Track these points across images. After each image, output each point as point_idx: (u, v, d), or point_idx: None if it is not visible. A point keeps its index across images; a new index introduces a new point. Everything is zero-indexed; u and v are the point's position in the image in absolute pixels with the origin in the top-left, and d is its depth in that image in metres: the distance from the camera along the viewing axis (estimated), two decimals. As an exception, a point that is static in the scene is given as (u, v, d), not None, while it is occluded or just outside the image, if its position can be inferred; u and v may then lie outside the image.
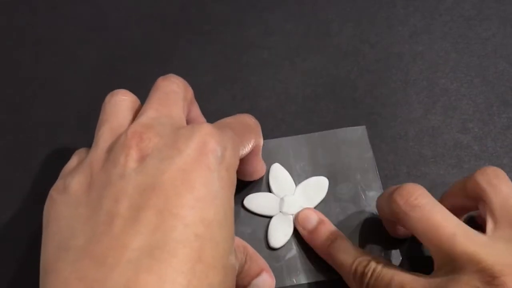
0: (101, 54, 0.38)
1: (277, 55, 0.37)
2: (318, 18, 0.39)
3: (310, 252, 0.30)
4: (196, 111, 0.30)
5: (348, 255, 0.28)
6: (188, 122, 0.29)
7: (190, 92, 0.28)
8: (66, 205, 0.23)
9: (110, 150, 0.24)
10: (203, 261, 0.21)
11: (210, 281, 0.21)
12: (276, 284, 0.29)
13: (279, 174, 0.33)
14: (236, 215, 0.31)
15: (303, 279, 0.30)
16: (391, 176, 0.33)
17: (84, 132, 0.35)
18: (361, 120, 0.35)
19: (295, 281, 0.30)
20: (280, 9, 0.39)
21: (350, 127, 0.34)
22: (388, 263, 0.26)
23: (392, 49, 0.37)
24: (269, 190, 0.32)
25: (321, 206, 0.32)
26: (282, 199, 0.32)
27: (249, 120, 0.29)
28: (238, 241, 0.27)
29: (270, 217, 0.31)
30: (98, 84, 0.37)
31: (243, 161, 0.29)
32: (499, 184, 0.25)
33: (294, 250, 0.31)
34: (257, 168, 0.31)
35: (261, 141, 0.29)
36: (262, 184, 0.33)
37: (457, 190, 0.28)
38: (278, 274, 0.30)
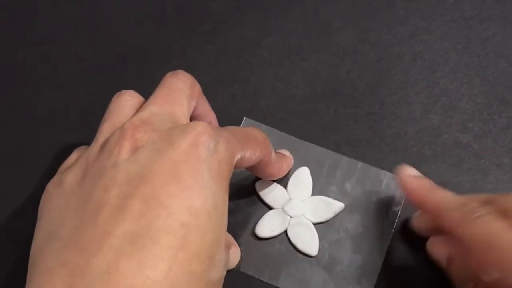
0: (101, 54, 0.38)
1: (277, 55, 0.37)
2: (318, 18, 0.39)
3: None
4: (204, 106, 0.30)
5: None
6: (196, 117, 0.29)
7: (197, 89, 0.28)
8: (60, 197, 0.24)
9: (106, 141, 0.24)
10: (187, 249, 0.21)
11: (193, 269, 0.21)
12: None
13: (266, 188, 0.32)
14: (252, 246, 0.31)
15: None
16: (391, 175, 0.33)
17: (84, 132, 0.35)
18: (361, 119, 0.35)
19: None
20: (280, 9, 0.39)
21: (391, 173, 0.33)
22: None
23: (392, 49, 0.37)
24: (268, 207, 0.32)
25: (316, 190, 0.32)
26: (284, 210, 0.32)
27: (255, 132, 0.28)
28: None
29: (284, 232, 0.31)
30: (98, 83, 0.37)
31: (255, 170, 0.29)
32: None
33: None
34: (274, 173, 0.31)
35: (270, 155, 0.29)
36: (260, 206, 0.32)
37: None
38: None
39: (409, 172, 0.30)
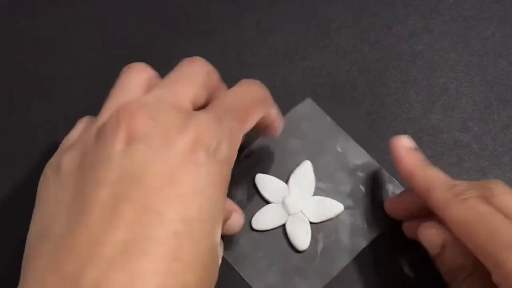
0: (101, 54, 0.38)
1: (277, 55, 0.37)
2: (318, 18, 0.39)
3: (336, 235, 0.31)
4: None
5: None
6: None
7: (213, 77, 0.27)
8: (56, 185, 0.23)
9: (104, 125, 0.23)
10: (180, 260, 0.20)
11: (186, 279, 0.20)
12: (326, 279, 0.30)
13: (266, 183, 0.32)
14: (251, 239, 0.31)
15: (345, 260, 0.30)
16: (391, 175, 0.33)
17: (84, 132, 0.35)
18: (361, 119, 0.35)
19: (340, 267, 0.30)
20: (280, 9, 0.39)
21: (298, 105, 0.34)
22: None
23: (392, 48, 0.37)
24: (266, 202, 0.32)
25: (319, 190, 0.32)
26: (284, 203, 0.31)
27: (256, 92, 0.27)
28: None
29: (282, 226, 0.31)
30: (98, 84, 0.37)
31: (254, 130, 0.27)
32: None
33: (321, 242, 0.31)
34: (273, 133, 0.29)
35: (273, 110, 0.28)
36: (257, 200, 0.32)
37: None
38: (322, 270, 0.30)
39: (403, 143, 0.29)
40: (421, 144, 0.34)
